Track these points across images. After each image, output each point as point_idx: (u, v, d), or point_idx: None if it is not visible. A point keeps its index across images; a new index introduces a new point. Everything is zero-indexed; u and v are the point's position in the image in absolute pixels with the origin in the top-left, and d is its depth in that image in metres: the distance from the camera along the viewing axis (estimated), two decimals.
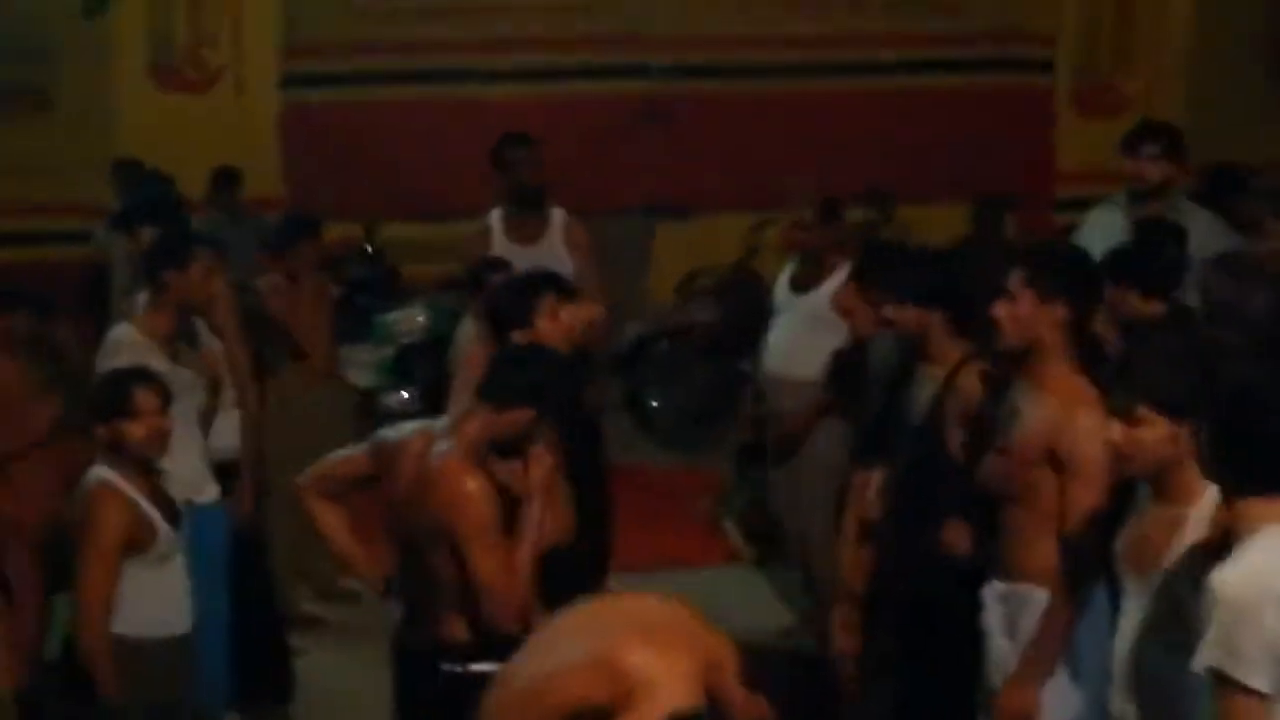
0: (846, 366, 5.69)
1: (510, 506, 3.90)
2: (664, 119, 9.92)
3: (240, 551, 5.10)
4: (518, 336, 4.51)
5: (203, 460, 4.91)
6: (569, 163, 9.51)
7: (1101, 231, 5.43)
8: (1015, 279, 3.81)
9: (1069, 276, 3.86)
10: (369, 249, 9.21)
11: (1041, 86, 10.47)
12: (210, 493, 4.90)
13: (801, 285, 6.14)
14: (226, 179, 8.66)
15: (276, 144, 9.74)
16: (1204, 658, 2.73)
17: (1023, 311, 3.79)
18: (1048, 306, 3.77)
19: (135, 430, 4.00)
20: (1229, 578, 2.73)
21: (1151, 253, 4.75)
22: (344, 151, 9.60)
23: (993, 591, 4.00)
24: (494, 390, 3.86)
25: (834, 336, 5.73)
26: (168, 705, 4.11)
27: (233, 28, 9.75)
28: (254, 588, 5.23)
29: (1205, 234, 5.36)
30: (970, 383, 4.24)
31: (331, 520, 4.08)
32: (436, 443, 3.86)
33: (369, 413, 7.83)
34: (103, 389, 4.16)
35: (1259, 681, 2.68)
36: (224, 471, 5.11)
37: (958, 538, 4.17)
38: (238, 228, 7.93)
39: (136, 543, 3.99)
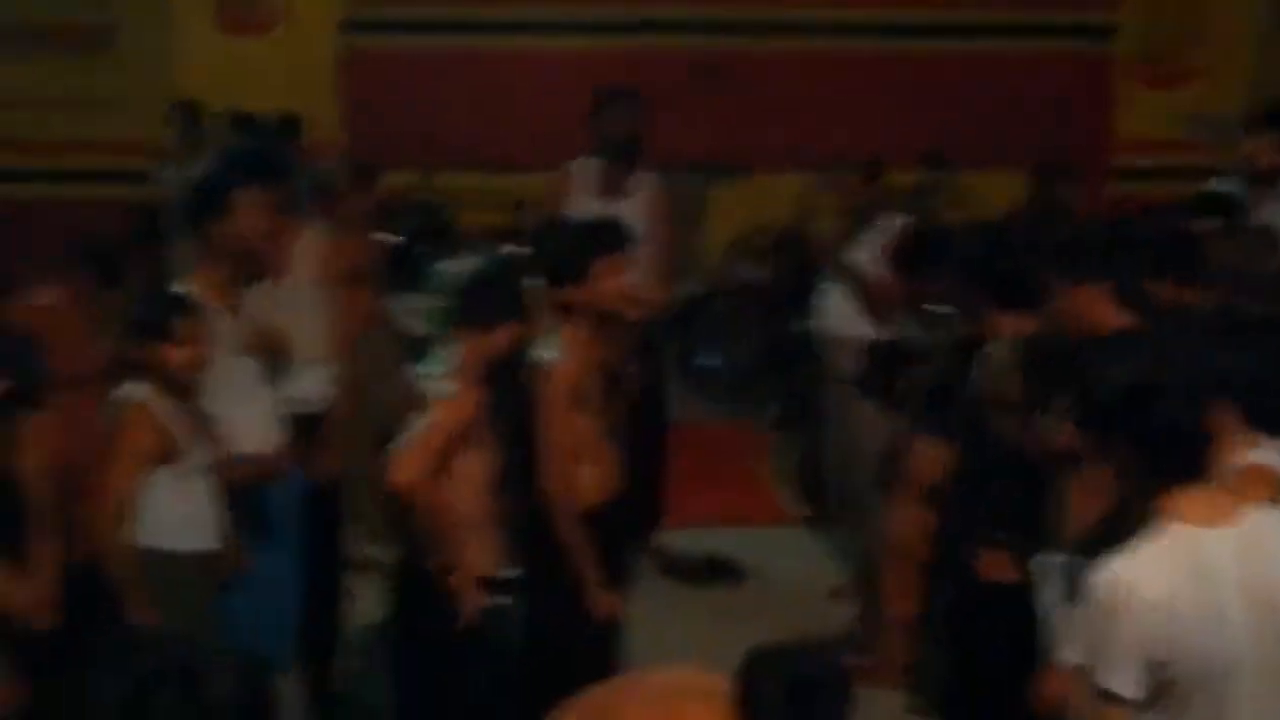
0: (881, 353, 5.73)
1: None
2: (722, 76, 9.87)
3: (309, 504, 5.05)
4: (572, 292, 4.49)
5: (272, 415, 4.77)
6: None
7: None
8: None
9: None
10: (426, 197, 9.22)
11: (1104, 53, 10.35)
12: (278, 445, 4.78)
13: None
14: (289, 126, 8.67)
15: (335, 89, 9.75)
16: (1070, 654, 2.70)
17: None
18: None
19: (172, 354, 4.04)
20: (1102, 579, 2.68)
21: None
22: (402, 99, 9.61)
23: (1049, 564, 3.98)
24: (474, 314, 4.02)
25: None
26: (196, 622, 4.10)
27: None
28: (321, 540, 5.24)
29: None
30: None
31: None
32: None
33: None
34: (143, 312, 4.17)
35: (1120, 685, 2.67)
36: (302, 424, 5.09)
37: (997, 566, 4.14)
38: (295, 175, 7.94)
39: (164, 455, 4.03)
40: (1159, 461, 2.69)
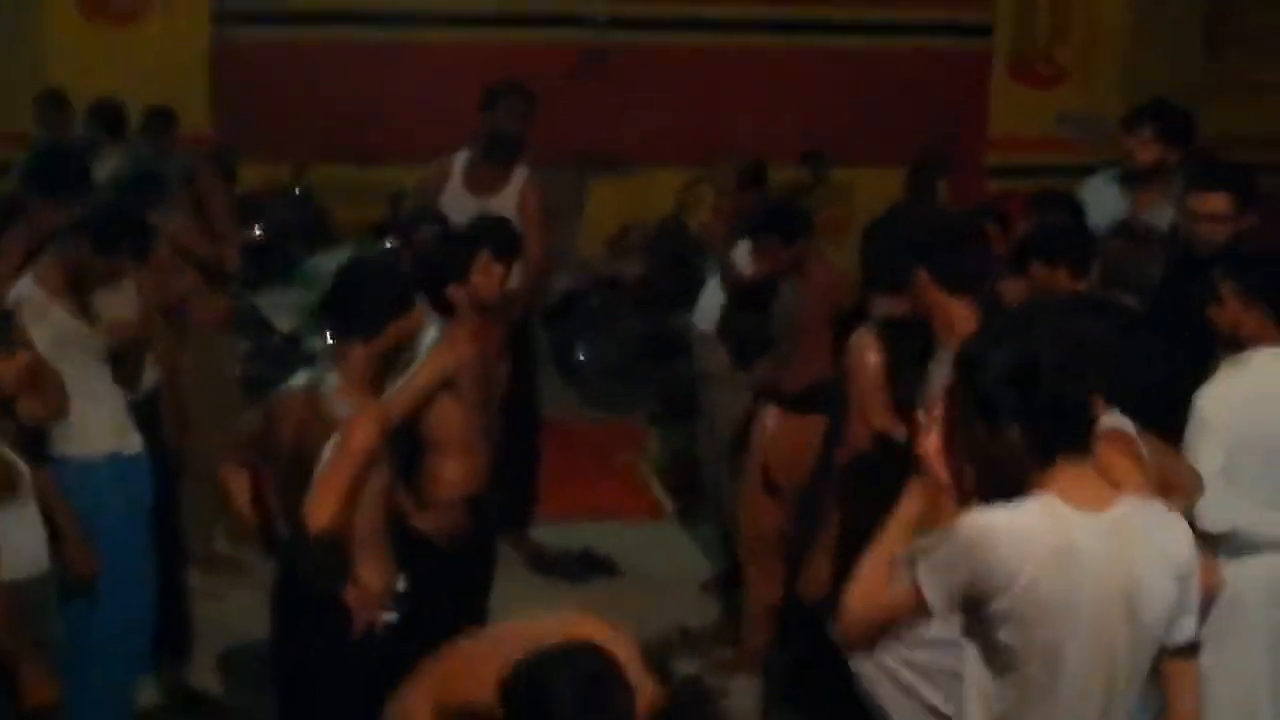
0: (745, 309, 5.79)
1: None
2: (601, 70, 9.85)
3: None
4: (452, 291, 4.48)
5: (125, 412, 4.77)
6: None
7: (1098, 206, 5.35)
8: None
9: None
10: (297, 191, 9.09)
11: (980, 51, 10.48)
12: (134, 444, 4.78)
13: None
14: (162, 119, 8.49)
15: (206, 80, 9.58)
16: (914, 548, 2.77)
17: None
18: None
19: (8, 371, 3.91)
20: (964, 520, 2.73)
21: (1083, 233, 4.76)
22: (275, 91, 9.44)
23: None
24: (354, 324, 3.85)
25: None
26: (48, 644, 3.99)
27: None
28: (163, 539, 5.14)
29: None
30: None
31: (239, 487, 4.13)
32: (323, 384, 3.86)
33: (290, 357, 7.75)
34: None
35: (931, 589, 2.72)
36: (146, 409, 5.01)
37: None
38: (166, 165, 7.78)
39: (5, 488, 3.88)
40: (1046, 438, 2.72)
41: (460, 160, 6.34)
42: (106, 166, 7.11)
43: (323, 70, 9.50)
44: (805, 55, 10.11)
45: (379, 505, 3.84)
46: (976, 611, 2.74)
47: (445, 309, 4.50)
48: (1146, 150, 5.39)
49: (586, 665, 2.70)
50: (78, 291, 4.57)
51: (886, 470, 4.15)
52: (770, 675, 5.05)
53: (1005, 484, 2.79)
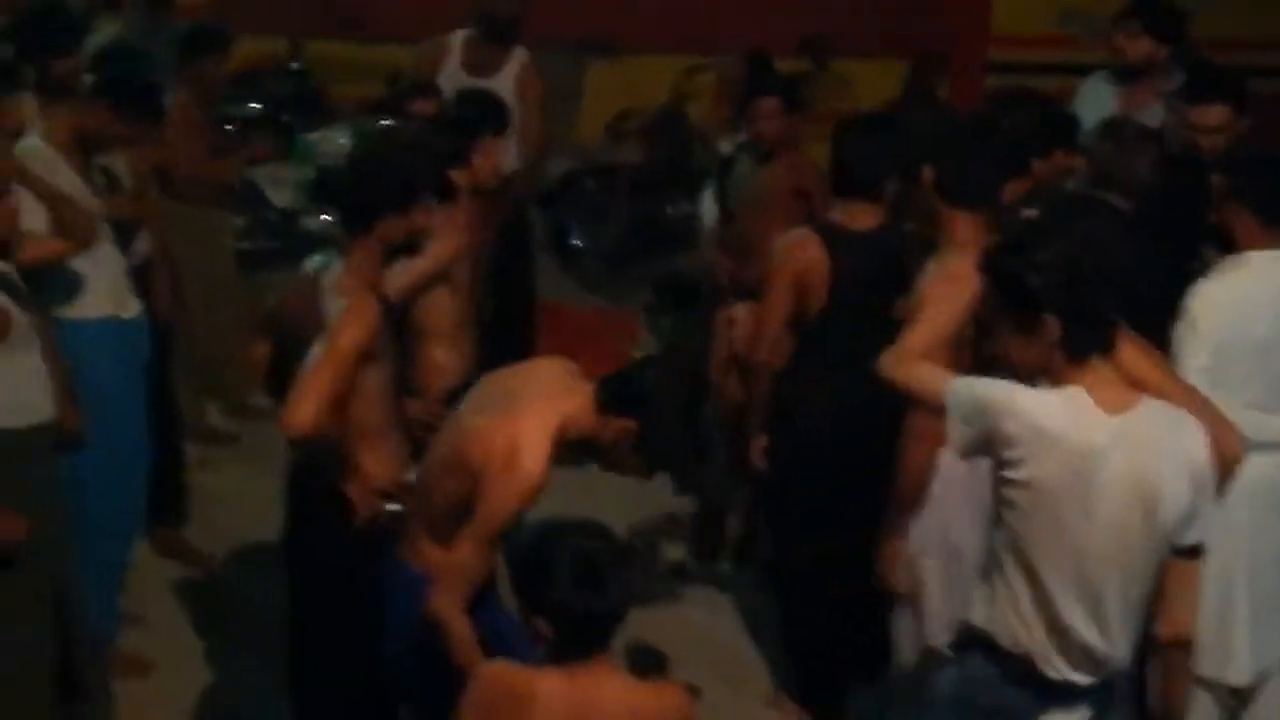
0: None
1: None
2: None
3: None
4: (457, 176, 4.43)
5: (124, 276, 4.79)
6: None
7: (1093, 105, 5.36)
8: None
9: None
10: (295, 65, 9.00)
11: None
12: (133, 308, 4.81)
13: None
14: None
15: None
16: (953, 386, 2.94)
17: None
18: None
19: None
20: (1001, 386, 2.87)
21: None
22: None
23: None
24: (356, 215, 3.74)
25: None
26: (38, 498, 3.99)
27: None
28: (161, 405, 5.19)
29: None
30: None
31: None
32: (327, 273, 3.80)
33: (290, 232, 7.75)
34: None
35: (955, 432, 2.91)
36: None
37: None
38: (160, 36, 7.70)
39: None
40: (1085, 336, 2.81)
41: (458, 39, 6.29)
42: (101, 37, 7.04)
43: None
44: None
45: (384, 396, 3.75)
46: (995, 463, 2.88)
47: (445, 194, 4.45)
48: (1136, 45, 5.44)
49: (592, 546, 2.78)
50: (82, 154, 4.59)
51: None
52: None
53: None
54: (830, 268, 4.39)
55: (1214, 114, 4.63)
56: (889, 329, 3.47)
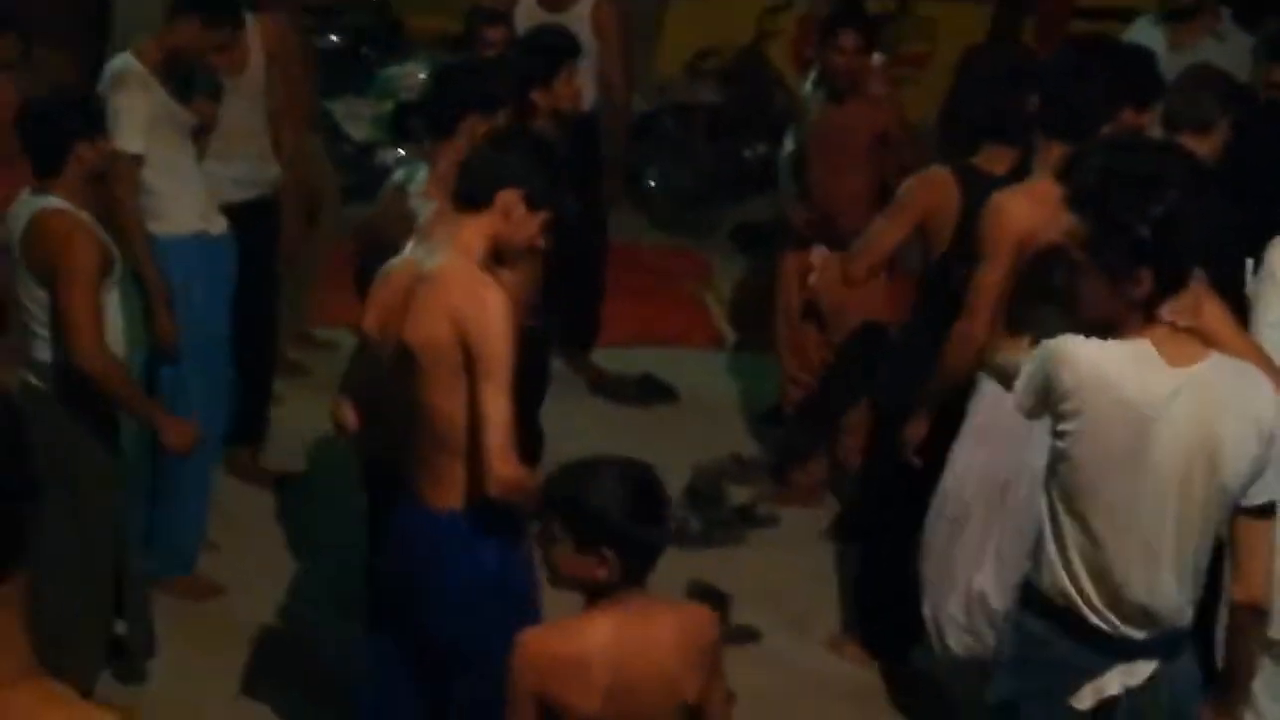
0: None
1: None
2: None
3: (248, 286, 5.08)
4: (537, 97, 4.44)
5: (209, 194, 4.90)
6: None
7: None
8: None
9: None
10: None
11: None
12: (219, 225, 4.90)
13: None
14: None
15: None
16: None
17: None
18: None
19: (89, 154, 3.95)
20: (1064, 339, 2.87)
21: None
22: None
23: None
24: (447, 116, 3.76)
25: None
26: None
27: None
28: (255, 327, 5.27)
29: (1240, 58, 5.30)
30: None
31: None
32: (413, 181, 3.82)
33: (365, 167, 7.76)
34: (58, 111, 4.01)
35: (1018, 396, 2.95)
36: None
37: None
38: None
39: (106, 266, 3.95)
40: (1167, 284, 2.78)
41: None
42: None
43: None
44: None
45: None
46: (1052, 424, 2.87)
47: (523, 113, 4.45)
48: None
49: (636, 475, 2.79)
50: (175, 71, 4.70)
51: None
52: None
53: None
54: (960, 210, 4.24)
55: None
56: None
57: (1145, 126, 4.36)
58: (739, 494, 5.64)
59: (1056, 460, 2.88)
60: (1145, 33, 5.57)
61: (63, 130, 3.93)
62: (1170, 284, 2.78)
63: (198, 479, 4.81)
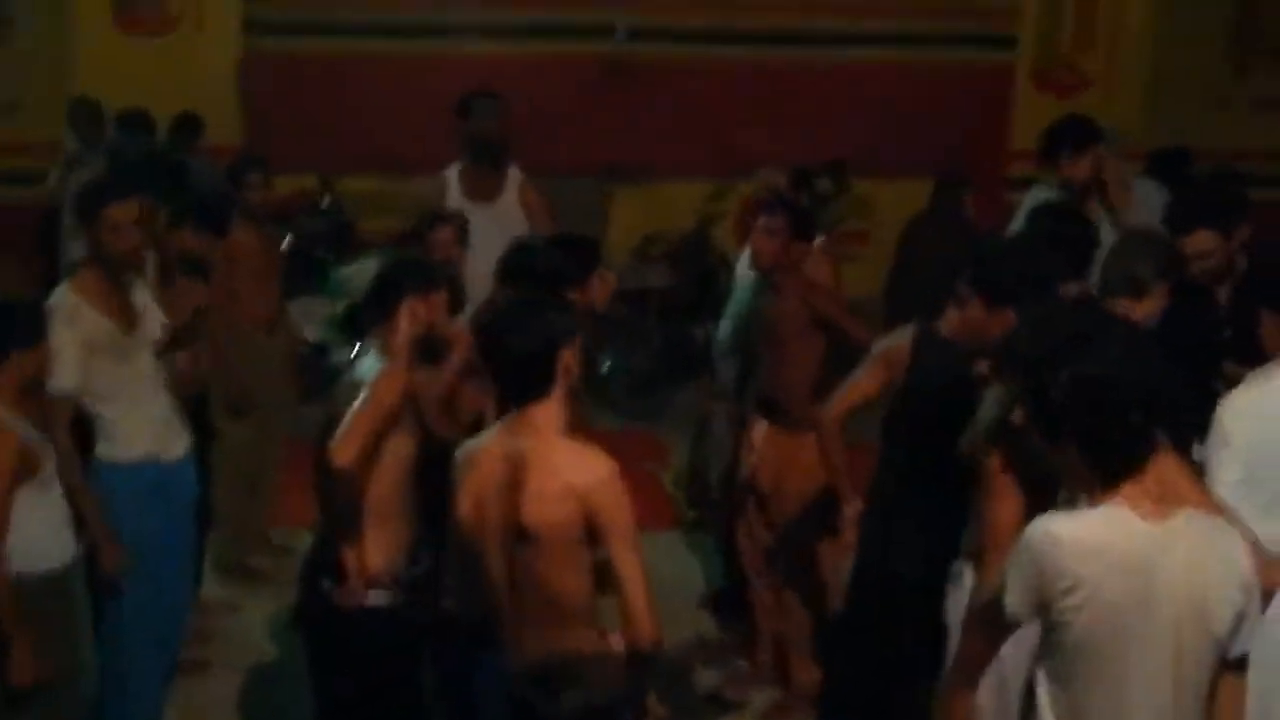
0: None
1: None
2: (624, 83, 9.90)
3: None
4: (572, 294, 4.48)
5: (170, 413, 4.81)
6: (530, 122, 9.50)
7: None
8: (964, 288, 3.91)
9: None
10: (326, 201, 9.16)
11: (1002, 64, 10.51)
12: (179, 448, 4.82)
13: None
14: (189, 125, 8.61)
15: (236, 91, 9.67)
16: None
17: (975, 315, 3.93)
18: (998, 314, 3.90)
19: (26, 361, 4.01)
20: (1033, 528, 2.82)
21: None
22: (304, 101, 9.54)
23: (958, 572, 4.04)
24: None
25: None
26: (59, 641, 4.08)
27: None
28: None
29: (1153, 209, 5.46)
30: None
31: None
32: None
33: (319, 367, 7.81)
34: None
35: (1009, 597, 2.82)
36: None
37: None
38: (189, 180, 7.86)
39: (26, 469, 3.95)
40: (1108, 459, 2.79)
41: (454, 172, 6.46)
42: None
43: (350, 81, 9.59)
44: (827, 68, 10.16)
45: (398, 476, 3.87)
46: (1047, 616, 2.82)
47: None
48: (1078, 167, 5.55)
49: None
50: (118, 296, 4.63)
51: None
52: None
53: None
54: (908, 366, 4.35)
55: (1199, 240, 4.70)
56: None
57: (1085, 294, 4.49)
58: (706, 676, 5.60)
59: (1053, 638, 2.84)
60: (1042, 198, 5.62)
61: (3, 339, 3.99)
62: (1108, 450, 2.79)
63: (141, 701, 4.73)
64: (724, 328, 6.20)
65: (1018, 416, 2.89)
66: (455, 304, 4.49)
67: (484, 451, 3.48)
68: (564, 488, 3.31)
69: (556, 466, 3.34)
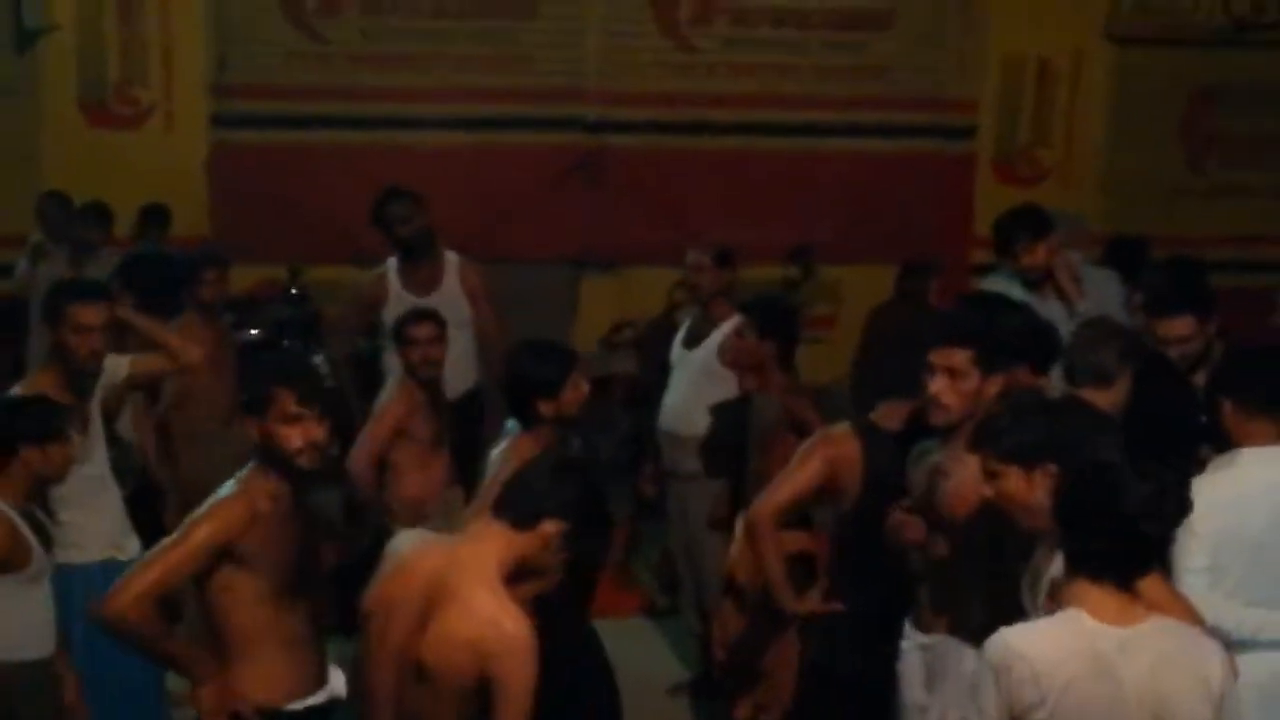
0: (729, 421, 5.78)
1: None
2: (593, 172, 10.00)
3: None
4: (543, 406, 4.47)
5: (122, 515, 4.84)
6: (499, 212, 9.58)
7: None
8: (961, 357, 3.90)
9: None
10: (293, 291, 9.17)
11: (964, 154, 10.66)
12: (131, 549, 4.81)
13: (693, 340, 6.23)
14: (155, 216, 8.64)
15: (204, 183, 9.71)
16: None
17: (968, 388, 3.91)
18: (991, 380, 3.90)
19: (35, 456, 4.00)
20: (993, 643, 2.82)
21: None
22: (272, 193, 9.58)
23: (912, 642, 4.06)
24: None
25: (723, 390, 5.82)
26: None
27: (163, 65, 9.72)
28: None
29: (1109, 296, 5.52)
30: None
31: None
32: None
33: None
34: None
35: (987, 714, 2.80)
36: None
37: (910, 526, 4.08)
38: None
39: (12, 561, 3.95)
40: (1078, 564, 2.80)
41: (390, 267, 6.47)
42: (103, 266, 7.20)
43: (318, 173, 9.64)
44: (795, 157, 10.27)
45: (262, 605, 3.64)
46: None
47: (527, 421, 4.52)
48: (1033, 257, 5.55)
49: None
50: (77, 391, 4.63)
51: None
52: None
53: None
54: (863, 466, 4.32)
55: (1179, 325, 4.73)
56: None
57: (1044, 388, 4.51)
58: None
59: None
60: (1001, 288, 5.61)
61: (13, 433, 3.98)
62: (1082, 556, 2.80)
63: None
64: (668, 410, 6.17)
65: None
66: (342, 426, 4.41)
67: (414, 565, 3.36)
68: (468, 641, 3.20)
69: (470, 615, 3.20)
